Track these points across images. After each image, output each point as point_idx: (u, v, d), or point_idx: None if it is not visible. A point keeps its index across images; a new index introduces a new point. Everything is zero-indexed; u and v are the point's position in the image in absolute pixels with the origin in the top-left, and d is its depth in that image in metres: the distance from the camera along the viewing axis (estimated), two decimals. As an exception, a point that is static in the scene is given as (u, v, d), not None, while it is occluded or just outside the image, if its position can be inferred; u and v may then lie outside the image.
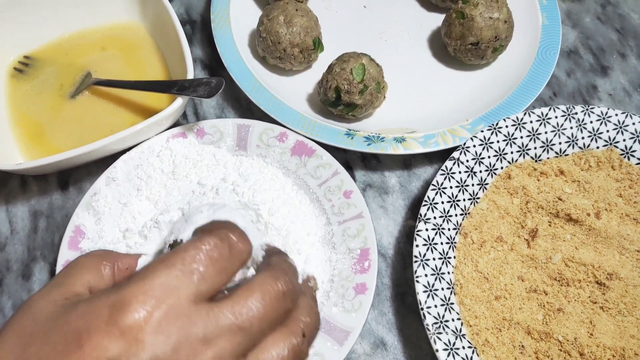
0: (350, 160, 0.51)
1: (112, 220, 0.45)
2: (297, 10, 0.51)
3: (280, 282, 0.26)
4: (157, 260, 0.25)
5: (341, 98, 0.47)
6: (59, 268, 0.41)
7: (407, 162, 0.51)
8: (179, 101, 0.45)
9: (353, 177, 0.50)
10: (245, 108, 0.54)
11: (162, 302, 0.23)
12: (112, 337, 0.22)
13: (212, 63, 0.56)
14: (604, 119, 0.48)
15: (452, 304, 0.40)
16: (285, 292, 0.26)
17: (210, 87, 0.45)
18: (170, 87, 0.47)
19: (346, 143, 0.48)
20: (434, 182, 0.45)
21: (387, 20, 0.58)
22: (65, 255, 0.42)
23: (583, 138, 0.48)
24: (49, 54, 0.53)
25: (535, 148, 0.48)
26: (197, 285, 0.24)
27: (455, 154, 0.46)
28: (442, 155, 0.50)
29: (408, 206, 0.49)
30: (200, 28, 0.59)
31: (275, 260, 0.30)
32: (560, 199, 0.46)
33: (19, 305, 0.25)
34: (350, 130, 0.49)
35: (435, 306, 0.39)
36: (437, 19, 0.58)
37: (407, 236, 0.47)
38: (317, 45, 0.52)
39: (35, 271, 0.45)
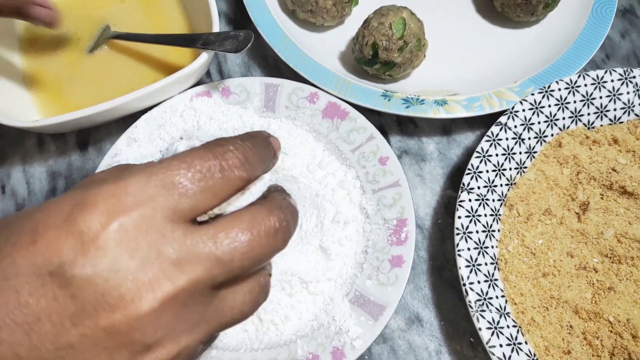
0: (385, 124, 0.47)
1: (133, 183, 0.42)
2: (331, -42, 0.46)
3: (274, 218, 0.23)
4: (139, 166, 0.21)
5: (378, 56, 0.44)
6: None
7: (446, 128, 0.47)
8: (204, 56, 0.42)
9: (388, 142, 0.46)
10: (273, 66, 0.50)
11: (133, 209, 0.20)
12: (69, 237, 0.19)
13: (237, 17, 0.53)
14: (668, 83, 0.44)
15: (495, 280, 0.37)
16: (278, 229, 0.23)
17: (237, 41, 0.42)
18: (194, 41, 0.43)
19: (382, 105, 0.44)
20: (478, 148, 0.41)
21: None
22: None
23: (642, 104, 0.44)
24: (65, 5, 0.50)
25: (588, 114, 0.44)
26: (177, 200, 0.21)
27: (503, 119, 0.42)
28: (485, 121, 0.46)
29: (447, 175, 0.46)
30: (225, -20, 0.55)
31: (274, 195, 0.26)
32: (614, 170, 0.42)
33: None
34: (387, 91, 0.45)
35: (479, 282, 0.37)
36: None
37: (445, 207, 0.44)
38: (352, -2, 0.48)
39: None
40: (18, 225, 0.20)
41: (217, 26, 0.43)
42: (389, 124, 0.48)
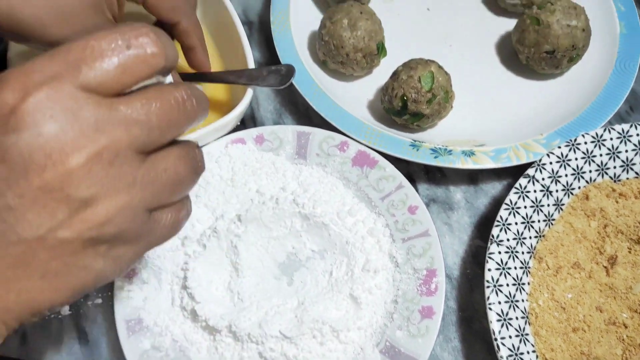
0: (413, 172, 0.49)
1: (169, 227, 0.44)
2: (361, 13, 0.48)
3: (181, 89, 0.24)
4: (47, 52, 0.22)
5: (407, 107, 0.45)
6: (116, 287, 0.41)
7: (473, 177, 0.48)
8: (249, 94, 0.44)
9: (416, 190, 0.47)
10: (304, 114, 0.52)
11: (44, 83, 0.21)
12: None
13: (269, 64, 0.55)
14: (694, 138, 0.44)
15: (527, 334, 0.38)
16: (186, 98, 0.24)
17: (280, 76, 0.44)
18: (238, 76, 0.45)
19: (411, 155, 0.45)
20: (507, 200, 0.42)
21: (452, 24, 0.55)
22: (124, 261, 0.42)
23: (670, 158, 0.45)
24: None
25: (614, 167, 0.45)
26: (85, 74, 0.21)
27: (530, 171, 0.43)
28: (511, 171, 0.47)
29: (474, 224, 0.46)
30: (257, 29, 0.57)
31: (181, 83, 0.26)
32: (642, 224, 0.43)
33: None
34: (415, 141, 0.46)
35: (510, 337, 0.37)
36: (505, 24, 0.55)
37: (473, 256, 0.45)
38: (381, 50, 0.50)
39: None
40: None
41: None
42: (416, 172, 0.49)
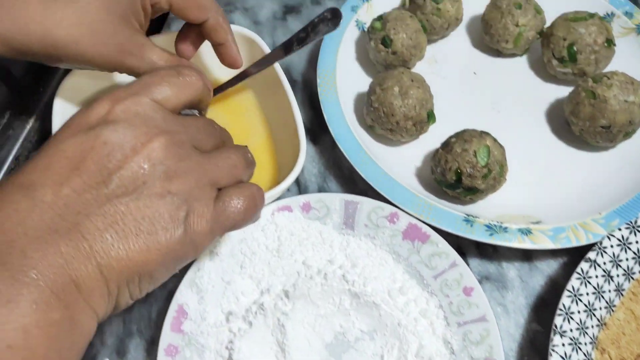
0: (463, 245, 0.47)
1: (215, 299, 0.42)
2: (412, 80, 0.48)
3: (208, 119, 0.33)
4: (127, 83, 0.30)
5: (462, 181, 0.44)
6: (160, 353, 0.39)
7: (527, 253, 0.46)
8: (298, 166, 0.43)
9: (467, 264, 0.45)
10: (349, 178, 0.51)
11: (126, 98, 0.28)
12: (92, 116, 0.27)
13: (314, 126, 0.54)
14: None
15: None
16: (213, 123, 0.33)
17: (329, 21, 0.45)
18: (287, 49, 0.46)
19: (465, 231, 0.44)
20: (569, 287, 0.40)
21: (500, 89, 0.54)
22: (168, 338, 0.40)
23: None
24: None
25: (677, 250, 0.43)
26: (154, 92, 0.29)
27: (592, 255, 0.41)
28: (568, 249, 0.45)
29: (530, 306, 0.44)
30: (301, 88, 0.57)
31: None
32: None
33: None
34: (468, 215, 0.45)
35: None
36: (554, 91, 0.54)
37: (531, 342, 0.43)
38: (430, 117, 0.49)
39: (131, 348, 0.43)
40: (52, 135, 0.28)
41: (304, 145, 0.44)
42: (466, 245, 0.47)
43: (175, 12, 0.42)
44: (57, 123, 0.45)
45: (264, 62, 0.48)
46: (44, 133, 0.50)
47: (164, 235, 0.27)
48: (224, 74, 0.52)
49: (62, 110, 0.46)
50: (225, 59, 0.46)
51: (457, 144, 0.45)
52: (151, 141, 0.27)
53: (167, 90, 0.30)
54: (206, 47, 0.51)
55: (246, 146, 0.34)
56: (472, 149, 0.44)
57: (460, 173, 0.44)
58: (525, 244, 0.43)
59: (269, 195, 0.42)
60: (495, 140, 0.45)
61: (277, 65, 0.48)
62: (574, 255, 0.45)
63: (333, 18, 0.46)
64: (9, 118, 0.48)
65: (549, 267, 0.46)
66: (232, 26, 0.50)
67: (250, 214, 0.31)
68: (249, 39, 0.50)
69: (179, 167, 0.28)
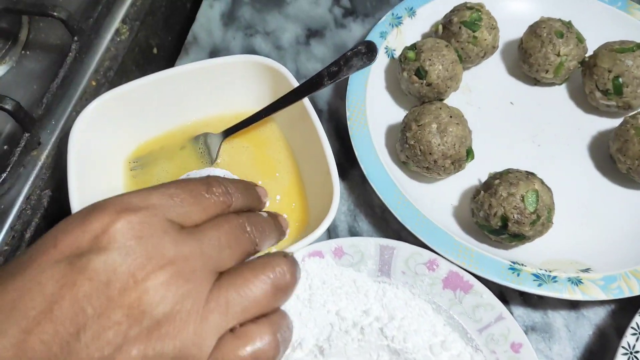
0: (506, 291, 0.44)
1: (242, 357, 0.39)
2: (451, 117, 0.45)
3: (243, 217, 0.27)
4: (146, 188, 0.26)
5: (507, 228, 0.41)
6: None
7: (573, 301, 0.44)
8: (332, 213, 0.40)
9: (510, 312, 0.42)
10: (380, 217, 0.48)
11: (137, 210, 0.23)
12: (84, 234, 0.22)
13: (342, 160, 0.51)
14: None
15: None
16: (246, 225, 0.27)
17: (364, 55, 0.43)
18: (317, 85, 0.44)
19: (512, 281, 0.41)
20: (623, 343, 0.37)
21: (539, 120, 0.51)
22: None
23: None
24: (166, 145, 0.49)
25: None
26: (173, 207, 0.25)
27: (649, 309, 0.38)
28: (617, 297, 0.43)
29: (579, 358, 0.41)
30: (326, 118, 0.54)
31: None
32: None
33: None
34: (514, 263, 0.42)
35: None
36: (596, 123, 0.51)
37: (584, 402, 0.40)
38: (469, 154, 0.46)
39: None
40: (38, 244, 0.23)
41: (337, 188, 0.41)
42: (509, 292, 0.44)
43: None
44: (73, 160, 0.42)
45: (292, 97, 0.45)
46: (57, 170, 0.47)
47: None
48: (250, 105, 0.49)
49: (78, 146, 0.43)
50: None
51: (501, 187, 0.42)
52: (148, 278, 0.22)
53: (191, 207, 0.25)
54: (233, 77, 0.48)
55: (292, 255, 0.28)
56: (519, 194, 0.41)
57: (506, 219, 0.41)
58: (576, 295, 0.40)
59: (299, 246, 0.39)
60: (542, 182, 0.42)
61: (305, 98, 0.46)
62: (622, 302, 0.43)
63: (368, 52, 0.44)
64: (20, 155, 0.45)
65: (597, 316, 0.43)
66: (256, 57, 0.48)
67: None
68: (275, 70, 0.47)
69: (182, 308, 0.22)
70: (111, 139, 0.46)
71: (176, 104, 0.48)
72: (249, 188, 0.30)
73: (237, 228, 0.26)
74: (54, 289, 0.21)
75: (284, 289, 0.25)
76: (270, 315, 0.25)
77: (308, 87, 0.44)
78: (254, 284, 0.24)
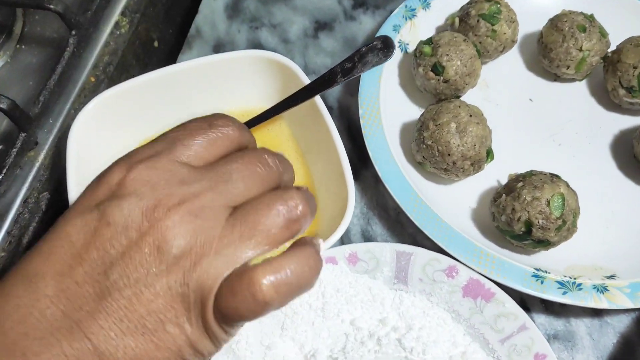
0: (527, 298, 0.42)
1: (254, 369, 0.37)
2: (470, 116, 0.43)
3: (260, 150, 0.27)
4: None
5: (532, 233, 0.39)
6: None
7: (596, 308, 0.42)
8: (345, 222, 0.37)
9: (532, 320, 0.41)
10: (395, 220, 0.46)
11: (145, 160, 0.25)
12: (101, 188, 0.24)
13: (354, 160, 0.49)
14: None
15: None
16: (266, 157, 0.27)
17: (380, 51, 0.41)
18: (329, 81, 0.41)
19: (535, 288, 0.39)
20: (654, 355, 0.36)
21: (559, 118, 0.49)
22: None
23: None
24: None
25: None
26: (180, 149, 0.25)
27: (681, 320, 0.37)
28: None
29: (603, 368, 0.40)
30: (337, 116, 0.51)
31: None
32: None
33: None
34: (538, 270, 0.40)
35: None
36: (619, 121, 0.49)
37: (610, 415, 0.38)
38: (489, 155, 0.44)
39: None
40: (73, 203, 0.25)
41: (352, 189, 0.39)
42: (531, 299, 0.42)
43: None
44: (72, 161, 0.40)
45: (303, 95, 0.42)
46: (55, 171, 0.45)
47: (174, 330, 0.23)
48: (257, 102, 0.47)
49: (77, 146, 0.41)
50: None
51: (525, 190, 0.40)
52: (160, 218, 0.23)
53: (196, 145, 0.26)
54: (240, 73, 0.46)
55: (306, 189, 0.27)
56: (544, 198, 0.39)
57: (530, 224, 0.39)
58: (602, 303, 0.39)
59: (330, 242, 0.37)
60: (568, 185, 0.40)
61: (318, 99, 0.43)
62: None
63: (384, 48, 0.41)
64: (16, 156, 0.43)
65: (621, 323, 0.42)
66: (265, 52, 0.45)
67: (301, 286, 0.24)
68: (284, 66, 0.44)
69: (197, 243, 0.23)
70: (112, 139, 0.44)
71: (180, 101, 0.46)
72: (247, 129, 0.29)
73: (251, 161, 0.26)
74: (79, 236, 0.24)
75: (298, 221, 0.25)
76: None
77: (320, 85, 0.42)
78: (265, 217, 0.24)
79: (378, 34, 0.50)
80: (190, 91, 0.46)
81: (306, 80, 0.43)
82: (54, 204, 0.45)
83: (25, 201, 0.43)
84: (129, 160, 0.25)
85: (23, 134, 0.43)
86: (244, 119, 0.46)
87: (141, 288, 0.23)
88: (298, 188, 0.26)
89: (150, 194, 0.24)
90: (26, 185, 0.43)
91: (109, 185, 0.25)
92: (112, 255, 0.23)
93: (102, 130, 0.43)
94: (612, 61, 0.48)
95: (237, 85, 0.47)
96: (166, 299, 0.23)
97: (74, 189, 0.39)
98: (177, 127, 0.27)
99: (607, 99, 0.50)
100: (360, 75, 0.48)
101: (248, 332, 0.38)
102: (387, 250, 0.41)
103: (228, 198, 0.25)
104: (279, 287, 0.23)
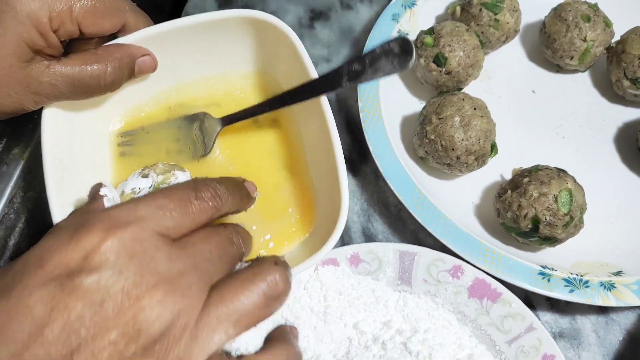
0: (532, 295, 0.41)
1: (254, 376, 0.36)
2: (475, 109, 0.41)
3: (229, 227, 0.27)
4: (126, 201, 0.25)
5: (539, 230, 0.38)
6: None
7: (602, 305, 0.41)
8: (340, 226, 0.35)
9: (537, 318, 0.40)
10: (396, 216, 0.45)
11: (127, 226, 0.22)
12: (73, 253, 0.21)
13: (353, 155, 0.47)
14: None
15: None
16: (232, 235, 0.26)
17: (396, 56, 0.32)
18: (334, 83, 0.35)
19: (542, 287, 0.38)
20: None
21: (562, 110, 0.48)
22: None
23: None
24: (156, 117, 0.43)
25: None
26: (162, 219, 0.24)
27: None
28: (649, 300, 0.40)
29: (610, 366, 0.39)
30: (335, 109, 0.50)
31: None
32: None
33: None
34: (544, 268, 0.39)
35: None
36: (622, 113, 0.48)
37: (618, 414, 0.38)
38: (493, 149, 0.43)
39: None
40: (21, 263, 0.22)
41: (344, 175, 0.36)
42: (536, 297, 0.41)
43: (86, 28, 0.34)
44: (48, 141, 0.35)
45: (302, 94, 0.38)
46: (41, 170, 0.42)
47: None
48: (249, 67, 0.43)
49: (51, 127, 0.36)
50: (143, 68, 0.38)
51: (532, 186, 0.38)
52: (143, 296, 0.21)
53: (180, 218, 0.24)
54: (226, 35, 0.41)
55: (279, 262, 0.26)
56: (551, 194, 0.38)
57: (537, 221, 0.38)
58: (610, 301, 0.38)
59: (305, 266, 0.32)
60: (575, 180, 0.39)
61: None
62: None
63: (402, 54, 0.33)
64: (1, 152, 0.41)
65: (627, 320, 0.41)
66: (253, 11, 0.39)
67: None
68: (274, 27, 0.40)
69: (176, 325, 0.22)
70: (93, 112, 0.40)
71: (167, 66, 0.41)
72: (237, 185, 0.29)
73: (226, 240, 0.26)
74: (44, 311, 0.20)
75: (277, 297, 0.25)
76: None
77: (323, 85, 0.36)
78: (244, 296, 0.23)
79: (377, 24, 0.49)
80: (178, 55, 0.41)
81: (299, 44, 0.39)
82: (40, 204, 0.43)
83: (10, 201, 0.41)
84: (106, 221, 0.22)
85: (7, 130, 0.41)
86: (231, 85, 0.43)
87: None
88: (275, 262, 0.25)
89: (133, 269, 0.21)
90: (11, 184, 0.41)
91: (82, 251, 0.21)
92: (81, 335, 0.20)
93: (81, 103, 0.39)
94: (616, 52, 0.46)
95: (224, 49, 0.42)
96: None
97: (52, 173, 0.35)
98: (162, 192, 0.25)
99: (610, 90, 0.49)
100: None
101: (247, 339, 0.37)
102: (390, 250, 0.40)
103: (209, 277, 0.24)
104: None
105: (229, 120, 0.41)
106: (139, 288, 0.21)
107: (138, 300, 0.21)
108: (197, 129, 0.42)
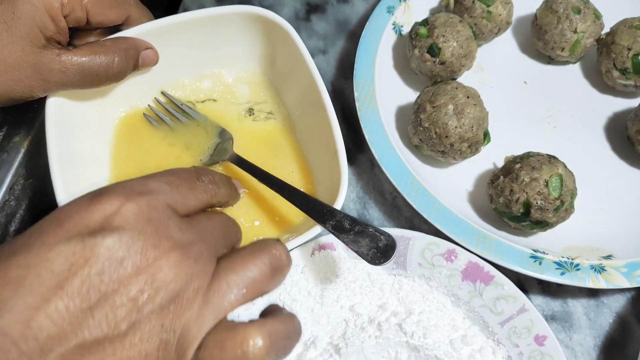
0: (524, 280, 0.42)
1: (253, 357, 0.37)
2: (468, 97, 0.42)
3: (224, 214, 0.28)
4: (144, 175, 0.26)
5: (530, 214, 0.39)
6: None
7: (592, 288, 0.42)
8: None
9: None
10: (391, 204, 0.46)
11: (142, 195, 0.24)
12: (94, 213, 0.22)
13: (348, 144, 0.48)
14: None
15: None
16: (229, 219, 0.28)
17: (376, 247, 0.32)
18: (323, 217, 0.34)
19: (534, 269, 0.39)
20: (651, 333, 0.36)
21: (553, 100, 0.49)
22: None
23: None
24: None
25: None
26: (172, 194, 0.25)
27: (677, 298, 0.37)
28: (638, 284, 0.41)
29: (599, 347, 0.40)
30: (331, 99, 0.50)
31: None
32: None
33: None
34: (536, 251, 0.40)
35: None
36: (612, 103, 0.49)
37: (607, 393, 0.39)
38: (486, 137, 0.43)
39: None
40: (37, 226, 0.23)
41: (345, 182, 0.36)
42: (528, 281, 0.42)
43: (94, 17, 0.36)
44: (51, 127, 0.37)
45: (301, 204, 0.36)
46: (42, 157, 0.43)
47: None
48: (249, 64, 0.44)
49: (56, 118, 0.37)
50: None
51: (523, 172, 0.39)
52: (160, 258, 0.22)
53: (185, 194, 0.26)
54: (225, 31, 0.42)
55: (276, 241, 0.27)
56: (542, 178, 0.39)
57: (528, 205, 0.39)
58: (600, 283, 0.39)
59: (301, 240, 0.34)
60: (565, 166, 0.40)
61: (320, 83, 0.40)
62: (643, 289, 0.42)
63: (382, 251, 0.31)
64: (2, 141, 0.41)
65: (617, 303, 0.42)
66: (253, 7, 0.41)
67: None
68: (274, 24, 0.41)
69: (189, 288, 0.23)
70: (96, 102, 0.41)
71: (167, 60, 0.42)
72: (228, 179, 0.31)
73: (226, 220, 0.28)
74: (64, 266, 0.21)
75: (281, 270, 0.26)
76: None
77: (317, 215, 0.34)
78: (253, 264, 0.25)
79: (372, 16, 0.49)
80: (172, 51, 0.42)
81: (298, 40, 0.41)
82: (41, 191, 0.44)
83: (11, 188, 0.41)
84: (125, 190, 0.24)
85: (7, 117, 0.41)
86: (229, 80, 0.45)
87: (128, 331, 0.21)
88: (277, 239, 0.27)
89: (150, 232, 0.23)
90: (12, 172, 0.42)
91: (103, 212, 0.22)
92: (101, 290, 0.21)
93: (85, 93, 0.39)
94: (605, 43, 0.47)
95: (222, 43, 0.43)
96: (150, 343, 0.21)
97: (55, 156, 0.37)
98: (168, 171, 0.27)
99: (600, 81, 0.50)
100: (354, 58, 0.47)
101: (244, 319, 0.38)
102: (385, 234, 0.41)
103: (215, 249, 0.25)
104: (270, 349, 0.23)
105: (239, 162, 0.40)
106: (157, 249, 0.22)
107: (156, 260, 0.22)
108: (215, 141, 0.43)
